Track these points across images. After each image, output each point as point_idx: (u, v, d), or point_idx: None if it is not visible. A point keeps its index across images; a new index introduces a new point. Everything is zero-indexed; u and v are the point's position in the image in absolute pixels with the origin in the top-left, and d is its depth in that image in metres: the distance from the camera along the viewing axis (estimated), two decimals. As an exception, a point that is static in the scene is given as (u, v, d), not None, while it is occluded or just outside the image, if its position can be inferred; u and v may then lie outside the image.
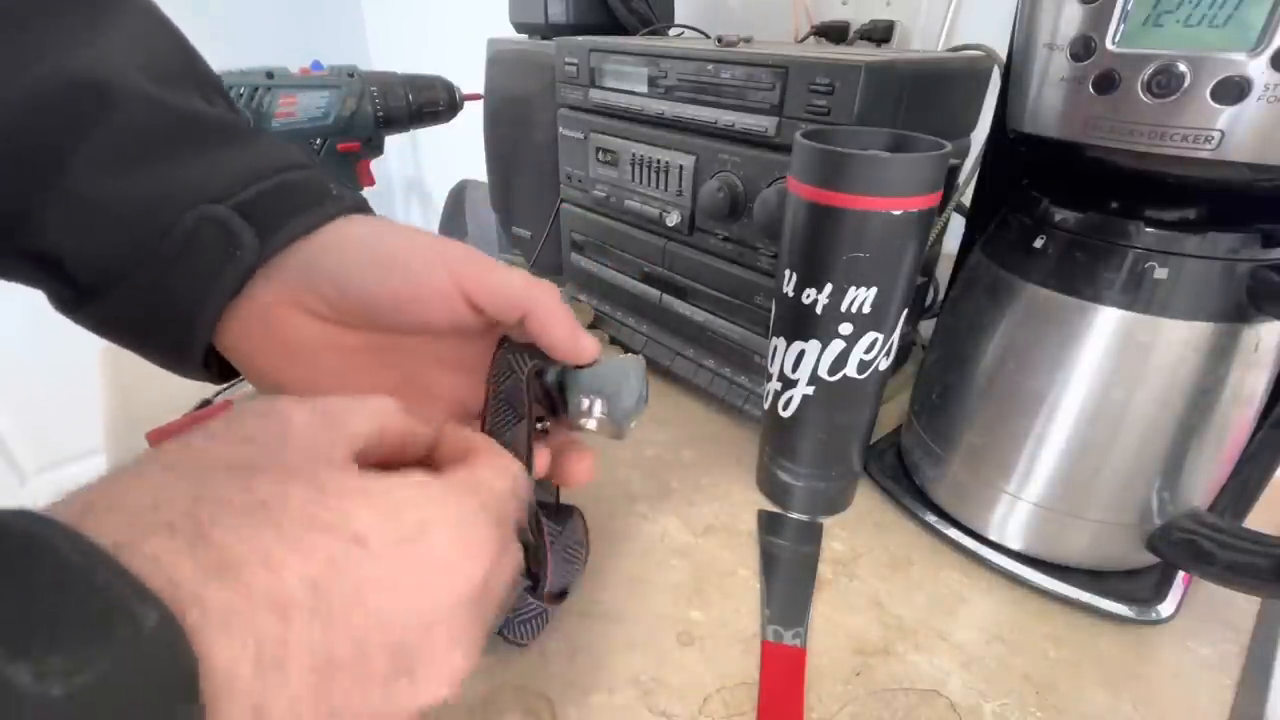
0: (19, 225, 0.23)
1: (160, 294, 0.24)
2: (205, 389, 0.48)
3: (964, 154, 0.46)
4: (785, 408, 0.37)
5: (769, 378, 0.38)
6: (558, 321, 0.26)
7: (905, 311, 0.34)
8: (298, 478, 0.16)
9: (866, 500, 0.42)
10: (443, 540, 0.17)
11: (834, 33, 0.58)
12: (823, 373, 0.34)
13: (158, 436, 0.39)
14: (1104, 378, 0.30)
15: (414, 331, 0.27)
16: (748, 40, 0.45)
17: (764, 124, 0.39)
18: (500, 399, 0.27)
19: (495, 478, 0.21)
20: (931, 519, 0.39)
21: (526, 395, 0.26)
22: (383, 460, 0.20)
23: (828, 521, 0.40)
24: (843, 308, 0.32)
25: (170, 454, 0.17)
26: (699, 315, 0.49)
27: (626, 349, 0.55)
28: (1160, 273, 0.28)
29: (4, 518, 0.12)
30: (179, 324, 0.24)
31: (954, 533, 0.38)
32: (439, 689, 0.18)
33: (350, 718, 0.16)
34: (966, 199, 0.42)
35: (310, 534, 0.15)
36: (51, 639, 0.11)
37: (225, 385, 0.49)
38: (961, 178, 0.46)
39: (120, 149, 0.24)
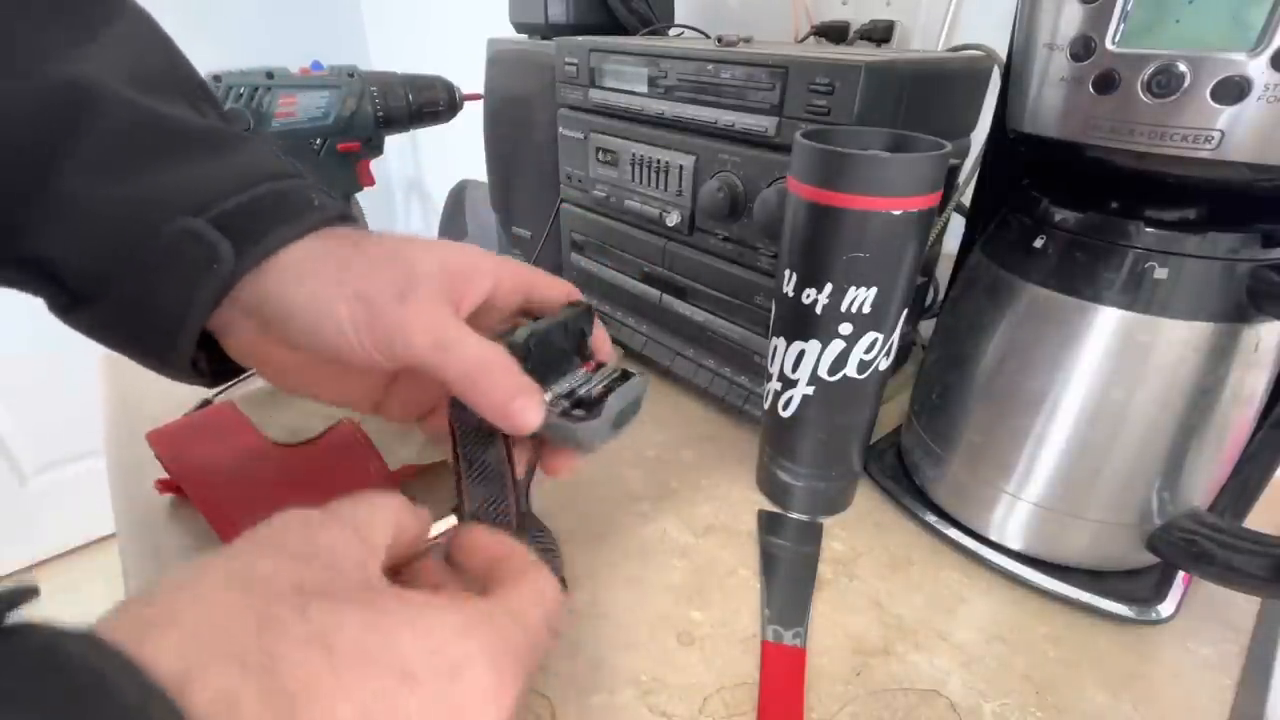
0: (14, 231, 0.24)
1: (145, 303, 0.24)
2: (205, 390, 0.48)
3: (964, 154, 0.46)
4: (785, 408, 0.37)
5: (769, 378, 0.38)
6: (479, 391, 0.25)
7: (905, 311, 0.34)
8: (350, 604, 0.17)
9: (866, 500, 0.42)
10: (481, 678, 0.17)
11: (834, 33, 0.58)
12: (823, 373, 0.34)
13: (157, 437, 0.39)
14: (1104, 378, 0.30)
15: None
16: (748, 40, 0.45)
17: (764, 124, 0.39)
18: (465, 430, 0.27)
19: (533, 606, 0.21)
20: (931, 519, 0.39)
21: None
22: (395, 559, 0.21)
23: (828, 521, 0.40)
24: (843, 308, 0.32)
25: (224, 569, 0.17)
26: (699, 315, 0.49)
27: (627, 349, 0.55)
28: (1160, 273, 0.28)
29: (68, 644, 0.13)
30: (163, 333, 0.25)
31: (954, 533, 0.38)
32: None
33: None
34: (966, 199, 0.42)
35: (362, 669, 0.16)
36: None
37: (224, 386, 0.49)
38: (961, 178, 0.46)
39: (106, 155, 0.24)
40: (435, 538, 0.24)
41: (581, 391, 0.28)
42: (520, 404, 0.25)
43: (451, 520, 0.27)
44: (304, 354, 0.27)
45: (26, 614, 0.14)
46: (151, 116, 0.25)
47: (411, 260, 0.26)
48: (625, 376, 0.29)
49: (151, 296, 0.24)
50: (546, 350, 0.28)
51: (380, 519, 0.21)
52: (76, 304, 0.25)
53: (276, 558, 0.18)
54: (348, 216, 0.28)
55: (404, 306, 0.24)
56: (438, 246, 0.27)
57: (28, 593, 0.14)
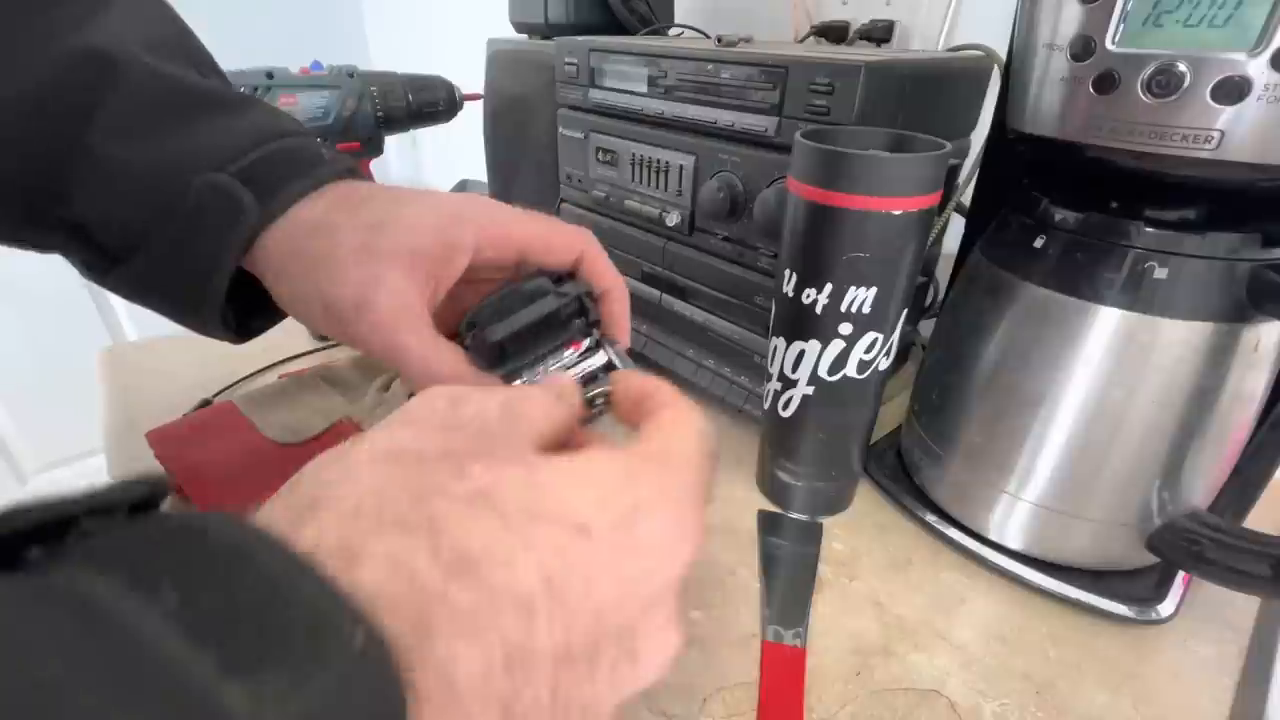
0: (53, 196, 0.25)
1: (177, 255, 0.26)
2: (205, 389, 0.48)
3: (964, 154, 0.46)
4: (785, 408, 0.37)
5: (769, 378, 0.38)
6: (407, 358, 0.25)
7: (905, 311, 0.34)
8: (509, 462, 0.16)
9: (866, 500, 0.42)
10: (655, 523, 0.17)
11: (834, 33, 0.58)
12: (823, 373, 0.34)
13: (158, 437, 0.39)
14: (1104, 378, 0.30)
15: None
16: (748, 40, 0.45)
17: (764, 124, 0.39)
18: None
19: (690, 443, 0.19)
20: (931, 519, 0.39)
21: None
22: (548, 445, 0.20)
23: (828, 521, 0.40)
24: (843, 308, 0.32)
25: (371, 444, 0.16)
26: (699, 315, 0.49)
27: (627, 350, 0.55)
28: (1160, 273, 0.28)
29: (206, 523, 0.12)
30: (196, 284, 0.26)
31: (954, 533, 0.38)
32: (658, 669, 0.17)
33: (581, 704, 0.16)
34: (966, 199, 0.42)
35: (536, 525, 0.15)
36: (262, 652, 0.11)
37: (224, 386, 0.49)
38: (961, 178, 0.46)
39: (131, 119, 0.25)
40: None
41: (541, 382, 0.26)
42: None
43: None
44: None
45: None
46: (169, 80, 0.27)
47: (379, 251, 0.25)
48: (609, 368, 0.27)
49: (183, 248, 0.26)
50: (514, 339, 0.26)
51: (532, 404, 0.20)
52: (112, 264, 0.27)
53: (420, 429, 0.17)
54: (355, 171, 0.29)
55: (359, 321, 0.25)
56: (417, 222, 0.26)
57: (160, 482, 0.13)
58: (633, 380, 0.23)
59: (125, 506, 0.12)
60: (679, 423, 0.20)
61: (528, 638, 0.14)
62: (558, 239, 0.28)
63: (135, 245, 0.26)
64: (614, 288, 0.29)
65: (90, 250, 0.27)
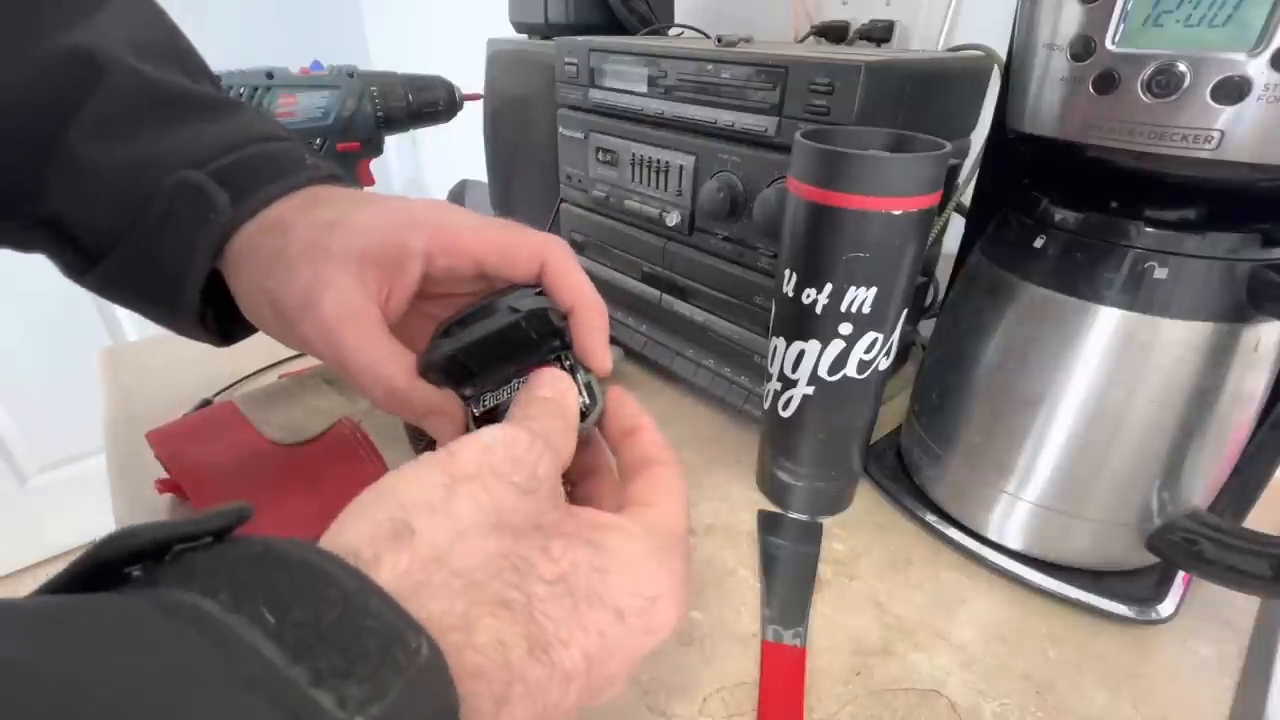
0: (32, 194, 0.25)
1: (150, 255, 0.26)
2: (205, 389, 0.48)
3: (964, 154, 0.46)
4: (785, 408, 0.37)
5: (769, 378, 0.38)
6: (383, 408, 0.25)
7: (905, 311, 0.34)
8: (577, 541, 0.18)
9: (866, 500, 0.42)
10: (668, 611, 0.20)
11: (834, 33, 0.58)
12: (823, 373, 0.34)
13: (158, 437, 0.39)
14: (1104, 378, 0.30)
15: None
16: (748, 40, 0.45)
17: (764, 124, 0.39)
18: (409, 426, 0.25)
19: (684, 522, 0.22)
20: (931, 519, 0.39)
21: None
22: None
23: (828, 521, 0.40)
24: (843, 308, 0.32)
25: (473, 503, 0.18)
26: (699, 315, 0.49)
27: (627, 350, 0.55)
28: (1160, 273, 0.28)
29: (287, 548, 0.14)
30: (170, 283, 0.26)
31: (954, 533, 0.38)
32: (603, 702, 0.20)
33: None
34: (966, 199, 0.42)
35: (593, 611, 0.18)
36: (346, 666, 0.12)
37: (224, 386, 0.49)
38: (961, 178, 0.46)
39: (111, 119, 0.25)
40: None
41: (506, 404, 0.24)
42: (434, 426, 0.25)
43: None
44: None
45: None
46: (153, 83, 0.27)
47: (328, 251, 0.25)
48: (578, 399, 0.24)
49: (156, 247, 0.26)
50: (473, 357, 0.24)
51: (564, 436, 0.22)
52: (91, 264, 0.26)
53: (514, 491, 0.19)
54: (337, 176, 0.29)
55: (304, 320, 0.24)
56: (367, 223, 0.25)
57: (244, 510, 0.15)
58: (628, 410, 0.25)
59: (212, 532, 0.14)
60: (672, 491, 0.23)
61: (562, 700, 0.17)
62: (517, 249, 0.26)
63: (111, 243, 0.26)
64: (583, 305, 0.26)
65: (69, 248, 0.27)
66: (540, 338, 0.25)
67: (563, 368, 0.25)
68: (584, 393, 0.24)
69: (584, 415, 0.24)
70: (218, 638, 0.12)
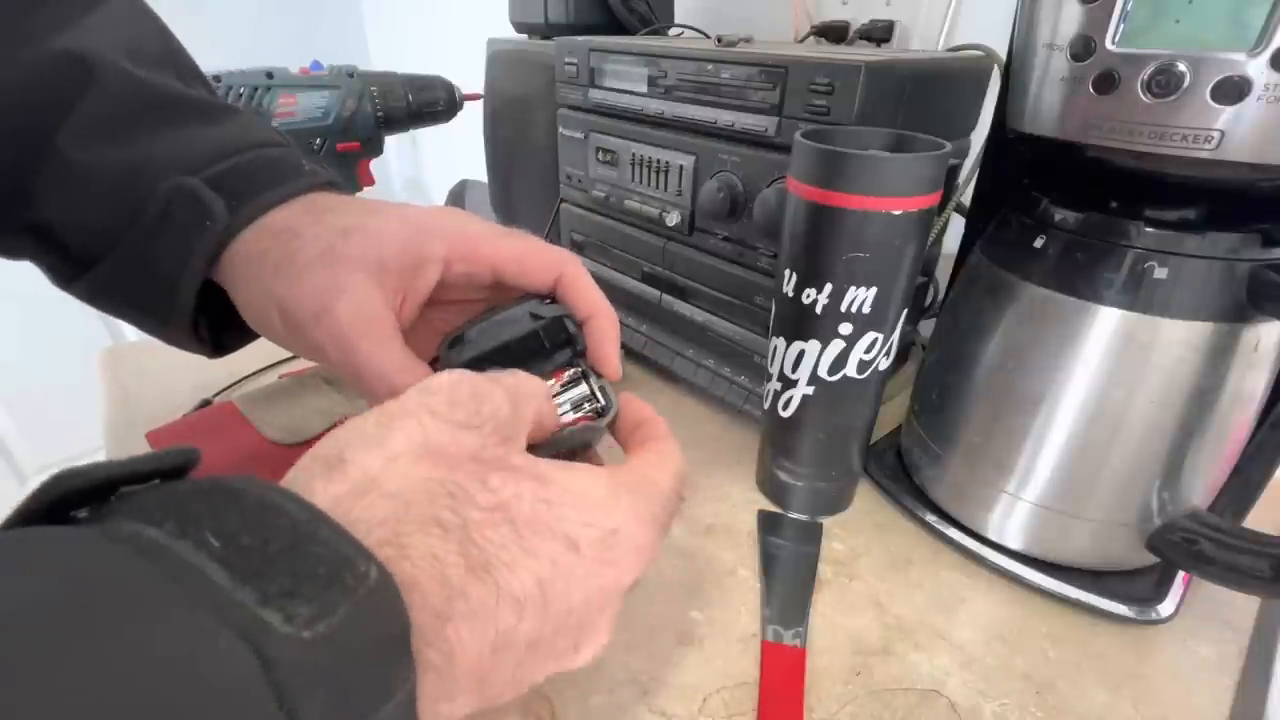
0: (19, 199, 0.25)
1: (143, 261, 0.25)
2: (205, 389, 0.48)
3: (964, 154, 0.46)
4: (785, 408, 0.37)
5: (769, 378, 0.38)
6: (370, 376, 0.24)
7: (905, 311, 0.34)
8: (522, 475, 0.19)
9: (866, 500, 0.42)
10: (628, 544, 0.20)
11: (834, 33, 0.58)
12: (823, 373, 0.34)
13: (158, 437, 0.39)
14: (1104, 378, 0.30)
15: None
16: (748, 40, 0.45)
17: (764, 124, 0.39)
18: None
19: (668, 480, 0.22)
20: (931, 519, 0.39)
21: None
22: (530, 439, 0.22)
23: (828, 521, 0.40)
24: (843, 308, 0.32)
25: (408, 435, 0.18)
26: (699, 315, 0.49)
27: (627, 350, 0.55)
28: (1160, 273, 0.28)
29: (238, 483, 0.14)
30: (163, 291, 0.25)
31: (954, 533, 0.38)
32: (589, 659, 0.21)
33: (528, 680, 0.19)
34: (966, 199, 0.42)
35: (538, 537, 0.18)
36: (293, 586, 0.12)
37: (224, 386, 0.49)
38: (961, 178, 0.46)
39: (103, 122, 0.25)
40: (568, 423, 0.24)
41: None
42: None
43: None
44: None
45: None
46: (146, 86, 0.26)
47: (344, 258, 0.24)
48: (590, 400, 0.25)
49: (150, 254, 0.25)
50: (493, 363, 0.25)
51: (532, 400, 0.22)
52: (80, 271, 0.26)
53: (452, 427, 0.19)
54: (335, 184, 0.28)
55: (317, 328, 0.24)
56: (384, 230, 0.25)
57: (191, 453, 0.15)
58: (638, 408, 0.25)
59: (160, 474, 0.14)
60: (663, 457, 0.23)
61: (514, 627, 0.17)
62: (534, 259, 0.27)
63: (102, 250, 0.25)
64: (598, 314, 0.27)
65: (57, 254, 0.26)
66: (556, 345, 0.26)
67: (578, 373, 0.26)
68: (599, 396, 0.25)
69: (599, 415, 0.25)
70: (162, 560, 0.12)
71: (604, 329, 0.27)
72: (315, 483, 0.16)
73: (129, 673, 0.10)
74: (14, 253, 0.27)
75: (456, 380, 0.20)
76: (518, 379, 0.22)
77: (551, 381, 0.25)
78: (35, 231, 0.26)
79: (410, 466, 0.17)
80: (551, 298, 0.27)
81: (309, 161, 0.28)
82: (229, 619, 0.11)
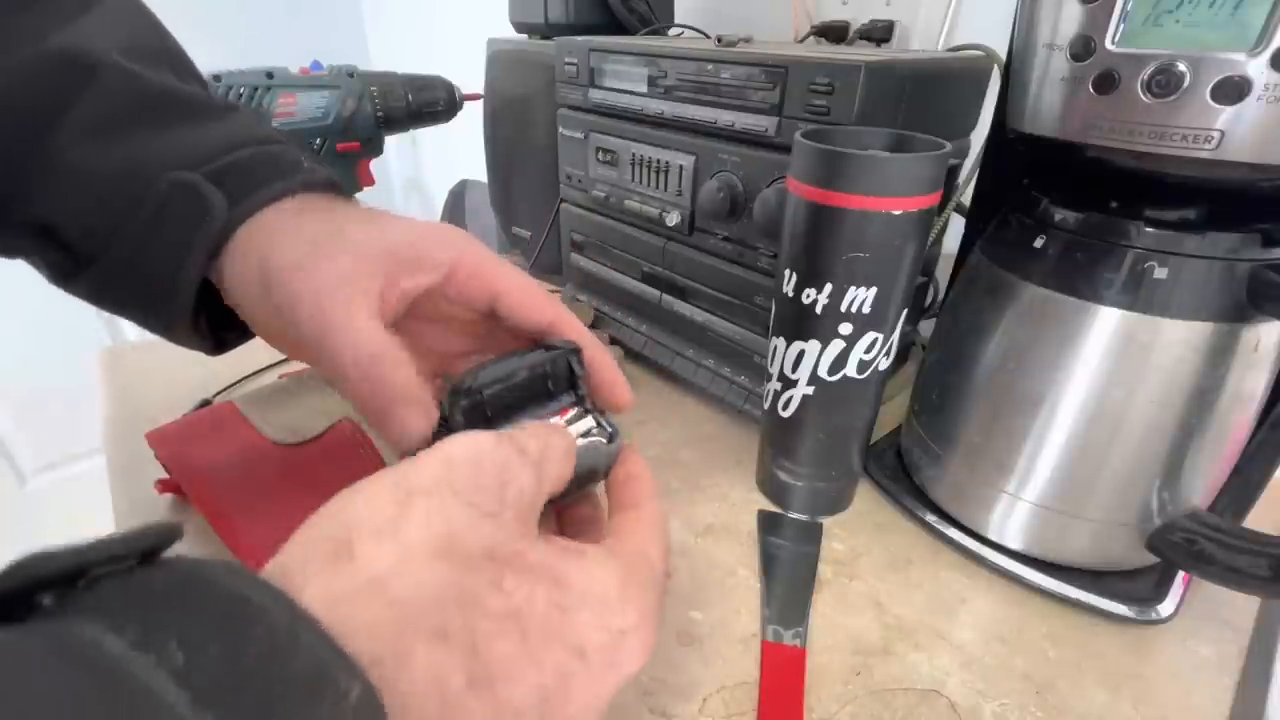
0: (17, 197, 0.25)
1: (143, 257, 0.25)
2: (205, 389, 0.48)
3: (964, 154, 0.46)
4: (785, 408, 0.37)
5: (769, 378, 0.38)
6: (363, 391, 0.23)
7: (905, 311, 0.34)
8: (538, 576, 0.18)
9: (866, 500, 0.42)
10: (635, 645, 0.19)
11: (834, 33, 0.58)
12: (823, 373, 0.34)
13: (158, 437, 0.39)
14: (1104, 378, 0.30)
15: None
16: (748, 40, 0.45)
17: (764, 124, 0.39)
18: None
19: (659, 556, 0.22)
20: (931, 519, 0.39)
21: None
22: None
23: (828, 521, 0.40)
24: (843, 308, 0.32)
25: (424, 524, 0.17)
26: (699, 315, 0.49)
27: (627, 349, 0.55)
28: (1160, 273, 0.28)
29: (214, 573, 0.13)
30: (162, 287, 0.25)
31: (954, 533, 0.38)
32: None
33: None
34: (966, 199, 0.42)
35: (548, 649, 0.17)
36: (263, 714, 0.11)
37: (224, 386, 0.49)
38: (961, 178, 0.46)
39: (101, 120, 0.25)
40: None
41: None
42: (401, 414, 0.23)
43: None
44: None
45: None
46: (145, 84, 0.26)
47: (340, 239, 0.25)
48: (600, 432, 0.26)
49: (149, 250, 0.25)
50: (501, 396, 0.25)
51: (557, 464, 0.21)
52: (79, 269, 0.26)
53: (472, 513, 0.17)
54: (335, 183, 0.28)
55: (291, 281, 0.24)
56: (391, 227, 0.26)
57: (173, 530, 0.14)
58: (634, 461, 0.25)
59: (136, 554, 0.13)
60: (655, 529, 0.23)
61: None
62: (536, 294, 0.27)
63: (102, 247, 0.25)
64: (593, 348, 0.27)
65: (57, 252, 0.26)
66: (560, 386, 0.26)
67: (583, 409, 0.26)
68: (605, 424, 0.26)
69: (609, 441, 0.25)
70: (116, 686, 0.11)
71: (605, 360, 0.27)
72: (313, 571, 0.15)
73: None
74: (14, 251, 0.27)
75: (479, 453, 0.19)
76: (546, 444, 0.21)
77: (557, 418, 0.26)
78: (35, 230, 0.25)
79: (423, 568, 0.16)
80: (544, 347, 0.27)
81: (309, 159, 0.28)
82: None
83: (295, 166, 0.27)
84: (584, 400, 0.27)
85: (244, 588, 0.13)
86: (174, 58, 0.29)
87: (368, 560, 0.15)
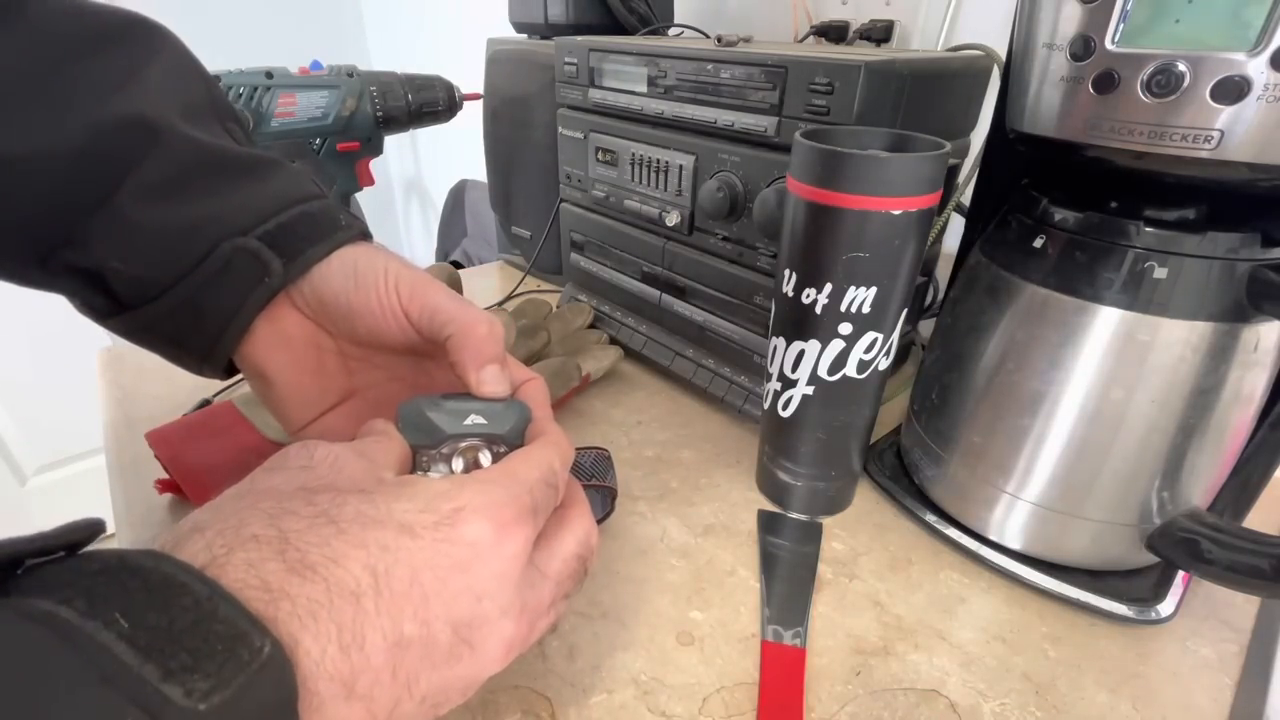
0: (68, 244, 0.26)
1: (192, 309, 0.27)
2: (205, 389, 0.48)
3: (964, 154, 0.46)
4: (785, 408, 0.37)
5: (769, 378, 0.38)
6: (473, 346, 0.26)
7: (905, 311, 0.34)
8: (350, 490, 0.20)
9: (866, 500, 0.42)
10: (476, 523, 0.20)
11: (834, 33, 0.58)
12: (822, 373, 0.34)
13: (158, 437, 0.39)
14: (1104, 377, 0.30)
15: (372, 343, 0.29)
16: (747, 40, 0.45)
17: (764, 124, 0.39)
18: None
19: (527, 468, 0.23)
20: (931, 519, 0.39)
21: None
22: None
23: (828, 521, 0.40)
24: (842, 308, 0.32)
25: (234, 490, 0.20)
26: (699, 315, 0.49)
27: (627, 349, 0.55)
28: (1160, 272, 0.28)
29: (139, 560, 0.15)
30: (208, 335, 0.28)
31: (954, 532, 0.38)
32: (497, 659, 0.21)
33: (426, 687, 0.19)
34: (966, 199, 0.42)
35: (364, 529, 0.18)
36: (194, 663, 0.14)
37: (224, 386, 0.49)
38: (961, 178, 0.46)
39: (163, 180, 0.27)
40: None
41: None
42: (490, 374, 0.26)
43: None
44: (313, 325, 0.30)
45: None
46: (203, 148, 0.28)
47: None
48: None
49: (202, 303, 0.27)
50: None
51: (380, 443, 0.23)
52: (119, 310, 0.28)
53: (280, 472, 0.20)
54: (367, 234, 0.31)
55: (430, 285, 0.28)
56: (415, 273, 0.29)
57: (95, 525, 0.16)
58: (536, 417, 0.27)
59: (65, 547, 0.15)
60: (532, 449, 0.24)
61: (356, 622, 0.17)
62: (467, 309, 0.28)
63: (150, 295, 0.27)
64: (464, 333, 0.27)
65: (100, 295, 0.28)
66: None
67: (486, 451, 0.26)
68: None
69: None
70: (74, 640, 0.13)
71: (475, 344, 0.27)
72: (182, 544, 0.17)
73: None
74: (49, 287, 0.29)
75: (289, 445, 0.22)
76: (369, 442, 0.23)
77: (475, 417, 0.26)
78: (82, 274, 0.27)
79: (231, 504, 0.19)
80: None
81: (342, 214, 0.30)
82: (134, 695, 0.13)
83: (333, 224, 0.29)
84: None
85: (167, 568, 0.15)
86: (218, 107, 0.31)
87: (190, 521, 0.18)
